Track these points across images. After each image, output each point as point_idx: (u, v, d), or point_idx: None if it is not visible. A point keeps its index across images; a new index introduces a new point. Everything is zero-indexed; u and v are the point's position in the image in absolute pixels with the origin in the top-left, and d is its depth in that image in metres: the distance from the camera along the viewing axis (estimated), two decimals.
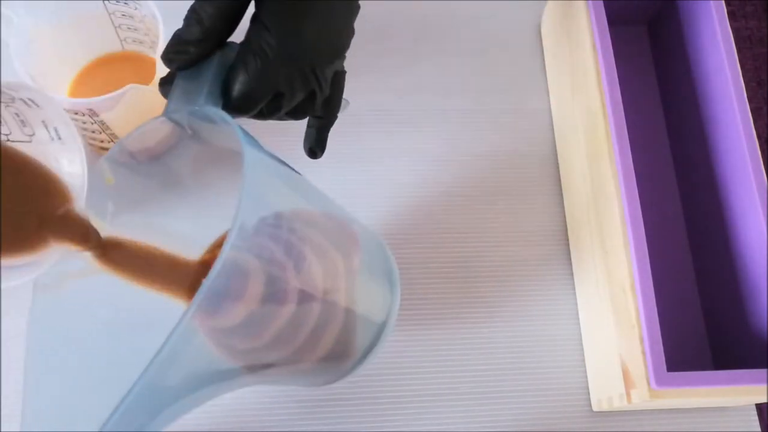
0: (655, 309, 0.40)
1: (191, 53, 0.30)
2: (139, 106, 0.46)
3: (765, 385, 0.39)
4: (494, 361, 0.48)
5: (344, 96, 0.38)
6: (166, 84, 0.32)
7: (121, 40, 0.51)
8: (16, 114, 0.31)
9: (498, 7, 0.60)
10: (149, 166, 0.34)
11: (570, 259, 0.52)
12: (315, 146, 0.38)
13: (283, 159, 0.33)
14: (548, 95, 0.57)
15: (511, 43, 0.59)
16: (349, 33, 0.33)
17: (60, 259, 0.32)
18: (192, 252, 0.40)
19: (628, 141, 0.44)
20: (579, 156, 0.50)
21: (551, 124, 0.56)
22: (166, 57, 0.31)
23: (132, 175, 0.34)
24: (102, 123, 0.46)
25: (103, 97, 0.43)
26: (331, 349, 0.37)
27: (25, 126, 0.32)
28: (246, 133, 0.29)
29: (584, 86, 0.49)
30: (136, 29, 0.49)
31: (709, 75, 0.49)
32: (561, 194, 0.54)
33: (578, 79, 0.50)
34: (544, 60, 0.59)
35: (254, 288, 0.30)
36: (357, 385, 0.47)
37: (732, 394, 0.40)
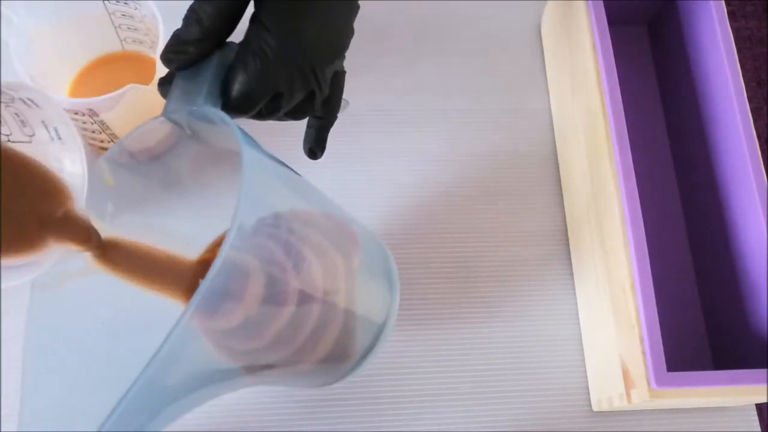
0: (655, 309, 0.40)
1: (190, 53, 0.30)
2: (139, 106, 0.46)
3: (765, 385, 0.39)
4: (494, 361, 0.48)
5: (344, 96, 0.38)
6: (165, 84, 0.32)
7: (121, 40, 0.51)
8: (16, 114, 0.31)
9: (498, 7, 0.60)
10: (148, 166, 0.34)
11: (570, 259, 0.52)
12: (315, 147, 0.38)
13: (282, 159, 0.33)
14: (548, 95, 0.57)
15: (511, 43, 0.59)
16: (349, 33, 0.33)
17: (59, 259, 0.32)
18: (191, 252, 0.40)
19: (628, 141, 0.44)
20: (579, 156, 0.50)
21: (551, 124, 0.56)
22: (165, 57, 0.31)
23: (131, 175, 0.33)
24: (102, 123, 0.46)
25: (103, 97, 0.43)
26: (331, 349, 0.37)
27: (25, 126, 0.32)
28: (245, 134, 0.29)
29: (584, 86, 0.49)
30: (136, 29, 0.49)
31: (709, 75, 0.49)
32: (561, 194, 0.54)
33: (578, 79, 0.50)
34: (544, 60, 0.59)
35: (253, 289, 0.29)
36: (357, 385, 0.47)
37: (732, 394, 0.40)
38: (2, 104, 0.30)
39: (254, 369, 0.34)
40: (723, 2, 0.49)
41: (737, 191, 0.45)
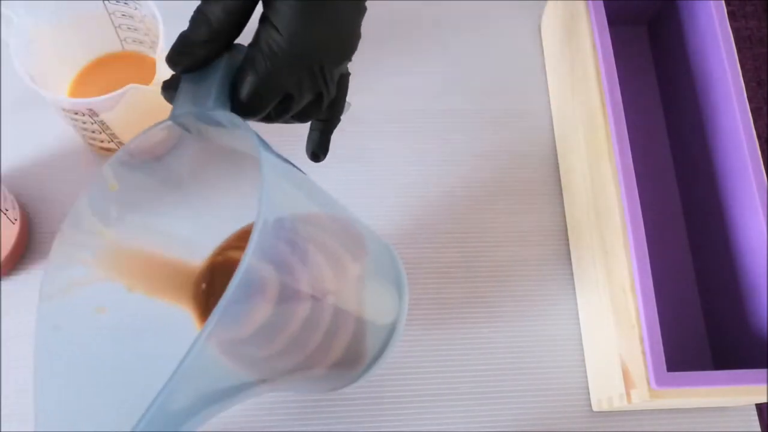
0: (655, 309, 0.40)
1: (198, 55, 0.30)
2: (139, 106, 0.46)
3: (765, 385, 0.39)
4: (494, 361, 0.48)
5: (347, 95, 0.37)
6: (170, 88, 0.31)
7: (121, 40, 0.51)
8: None
9: (498, 7, 0.60)
10: (148, 166, 0.34)
11: (570, 259, 0.52)
12: (318, 149, 0.37)
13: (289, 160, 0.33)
14: (548, 95, 0.57)
15: (511, 43, 0.59)
16: (357, 35, 0.33)
17: (65, 266, 0.32)
18: (191, 253, 0.40)
19: (628, 141, 0.44)
20: (579, 156, 0.50)
21: (551, 124, 0.56)
22: (172, 59, 0.30)
23: (132, 176, 0.33)
24: (102, 123, 0.46)
25: (103, 97, 0.43)
26: (343, 354, 0.37)
27: None
28: (260, 138, 0.28)
29: (584, 86, 0.49)
30: (136, 29, 0.49)
31: (709, 75, 0.49)
32: (561, 194, 0.54)
33: (578, 79, 0.50)
34: (544, 60, 0.59)
35: (269, 296, 0.29)
36: (357, 386, 0.47)
37: (732, 394, 0.40)
38: None
39: (267, 376, 0.34)
40: (723, 2, 0.49)
41: (737, 191, 0.45)
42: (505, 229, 0.52)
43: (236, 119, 0.29)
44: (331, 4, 0.30)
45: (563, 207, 0.53)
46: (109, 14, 0.48)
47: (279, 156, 0.31)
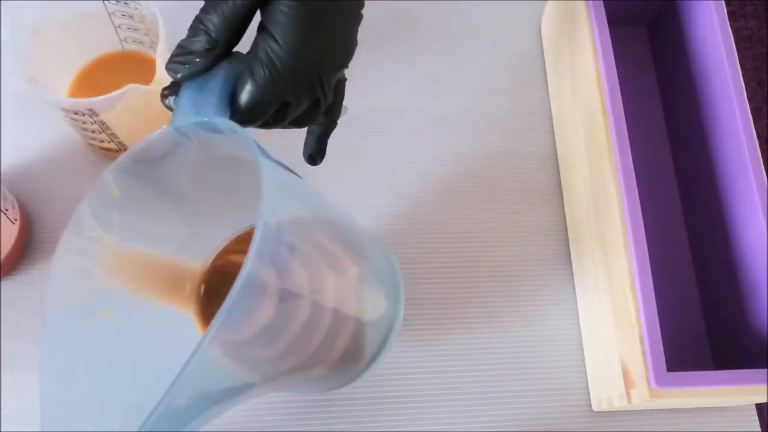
0: (655, 309, 0.40)
1: (197, 64, 0.30)
2: (139, 106, 0.46)
3: (765, 385, 0.39)
4: (494, 361, 0.48)
5: (343, 101, 0.38)
6: (169, 95, 0.32)
7: (121, 40, 0.51)
8: None
9: (498, 7, 0.60)
10: (148, 172, 0.34)
11: (570, 259, 0.52)
12: (315, 153, 0.38)
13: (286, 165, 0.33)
14: (548, 95, 0.57)
15: (511, 43, 0.59)
16: (354, 42, 0.33)
17: (68, 272, 0.32)
18: (192, 257, 0.41)
19: (628, 141, 0.44)
20: (579, 156, 0.50)
21: (551, 124, 0.56)
22: (172, 68, 0.30)
23: (132, 182, 0.34)
24: (102, 123, 0.46)
25: (103, 97, 0.43)
26: (341, 355, 0.37)
27: None
28: (259, 146, 0.29)
29: (584, 86, 0.49)
30: (136, 29, 0.49)
31: (709, 75, 0.49)
32: (561, 194, 0.54)
33: (578, 79, 0.50)
34: (544, 60, 0.59)
35: (270, 299, 0.30)
36: (357, 386, 0.47)
37: (732, 394, 0.40)
38: None
39: (268, 377, 0.34)
40: (723, 2, 0.49)
41: (737, 191, 0.45)
42: (505, 229, 0.52)
43: (235, 126, 0.29)
44: (328, 13, 0.31)
45: (563, 207, 0.53)
46: (109, 14, 0.48)
47: (277, 161, 0.31)
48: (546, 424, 0.47)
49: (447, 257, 0.51)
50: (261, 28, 0.31)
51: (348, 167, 0.53)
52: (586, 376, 0.48)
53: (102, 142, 0.49)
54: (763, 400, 0.41)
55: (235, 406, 0.32)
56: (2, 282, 0.48)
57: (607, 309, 0.44)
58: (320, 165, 0.39)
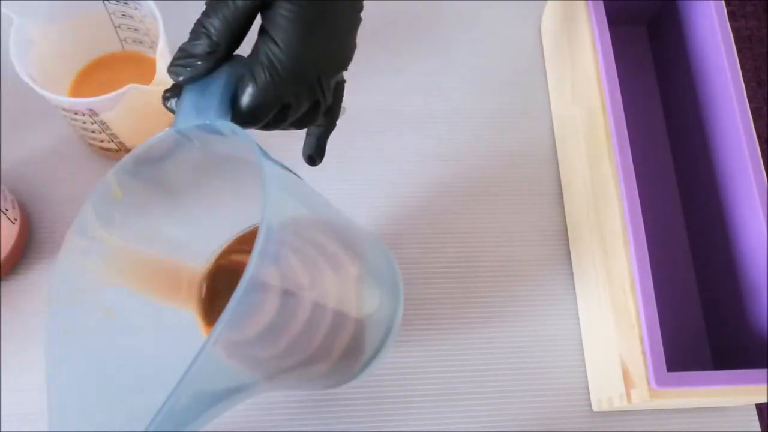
0: (655, 309, 0.40)
1: (199, 67, 0.31)
2: (139, 106, 0.46)
3: (765, 385, 0.39)
4: (494, 361, 0.48)
5: (342, 101, 0.38)
6: (172, 97, 0.32)
7: (121, 40, 0.51)
8: None
9: (498, 8, 0.60)
10: (150, 173, 0.34)
11: (570, 259, 0.52)
12: (314, 153, 0.38)
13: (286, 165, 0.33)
14: (548, 95, 0.57)
15: (511, 43, 0.59)
16: (353, 46, 0.34)
17: (72, 272, 0.32)
18: (193, 256, 0.41)
19: (628, 141, 0.44)
20: (579, 156, 0.50)
21: (551, 124, 0.56)
22: (174, 71, 0.31)
23: (135, 183, 0.34)
24: (102, 123, 0.46)
25: (103, 97, 0.43)
26: (342, 353, 0.38)
27: None
28: (260, 148, 0.29)
29: (584, 86, 0.49)
30: (136, 29, 0.49)
31: (709, 75, 0.49)
32: (561, 194, 0.54)
33: (578, 79, 0.50)
34: (544, 60, 0.59)
35: (273, 300, 0.30)
36: (357, 386, 0.47)
37: (732, 394, 0.40)
38: None
39: (270, 375, 0.34)
40: (723, 2, 0.49)
41: (737, 191, 0.45)
42: (505, 229, 0.52)
43: (237, 129, 0.29)
44: (327, 17, 0.31)
45: (563, 207, 0.53)
46: (109, 14, 0.48)
47: (277, 162, 0.31)
48: (546, 424, 0.47)
49: (447, 257, 0.51)
50: (262, 31, 0.31)
51: (347, 167, 0.53)
52: (586, 376, 0.48)
53: (102, 142, 0.49)
54: (763, 400, 0.41)
55: (235, 406, 0.33)
56: (2, 282, 0.48)
57: (607, 309, 0.44)
58: (320, 165, 0.39)
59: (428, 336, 0.49)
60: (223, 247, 0.42)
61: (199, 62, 0.30)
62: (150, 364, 0.33)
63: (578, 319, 0.50)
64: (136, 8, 0.47)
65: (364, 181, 0.53)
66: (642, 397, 0.39)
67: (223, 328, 0.25)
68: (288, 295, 0.32)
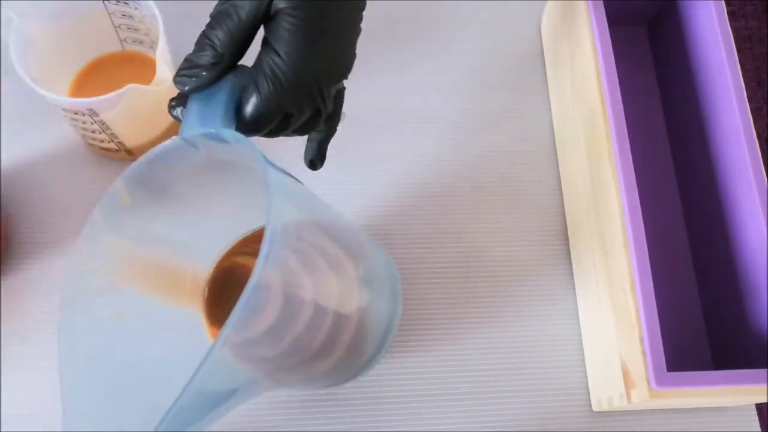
0: (655, 309, 0.40)
1: (204, 77, 0.31)
2: (139, 106, 0.46)
3: (765, 385, 0.39)
4: (494, 361, 0.48)
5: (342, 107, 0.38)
6: (177, 106, 0.33)
7: (121, 40, 0.51)
8: None
9: (498, 7, 0.60)
10: (157, 180, 0.35)
11: (570, 259, 0.52)
12: (315, 159, 0.39)
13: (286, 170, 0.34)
14: (548, 95, 0.57)
15: (511, 43, 0.59)
16: (353, 56, 0.35)
17: (82, 276, 0.33)
18: (195, 259, 0.42)
19: (628, 141, 0.44)
20: (579, 156, 0.50)
21: (551, 124, 0.56)
22: (180, 81, 0.32)
23: (142, 189, 0.35)
24: (102, 123, 0.46)
25: (103, 97, 0.43)
26: (343, 352, 0.39)
27: None
28: (264, 155, 0.30)
29: (584, 86, 0.49)
30: (136, 29, 0.49)
31: (709, 75, 0.49)
32: (561, 194, 0.54)
33: (578, 79, 0.50)
34: (544, 60, 0.59)
35: (276, 301, 0.31)
36: (357, 386, 0.47)
37: (732, 394, 0.40)
38: None
39: (272, 374, 0.35)
40: (723, 2, 0.49)
41: (737, 191, 0.45)
42: (505, 229, 0.52)
43: (241, 137, 0.30)
44: (328, 29, 0.32)
45: (563, 207, 0.53)
46: (109, 14, 0.48)
47: (280, 169, 0.32)
48: (546, 424, 0.47)
49: (447, 257, 0.51)
50: (265, 43, 0.32)
51: (348, 167, 0.53)
52: (586, 376, 0.48)
53: (102, 142, 0.49)
54: (763, 400, 0.41)
55: (240, 405, 0.33)
56: (2, 282, 0.48)
57: (607, 309, 0.44)
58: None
59: (428, 336, 0.49)
60: (226, 250, 0.43)
61: (204, 72, 0.31)
62: (158, 364, 0.34)
63: (578, 319, 0.50)
64: (136, 8, 0.47)
65: (364, 181, 0.53)
66: (642, 397, 0.39)
67: (230, 330, 0.26)
68: (291, 296, 0.32)
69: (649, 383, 0.39)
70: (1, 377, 0.45)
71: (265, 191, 0.28)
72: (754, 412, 0.48)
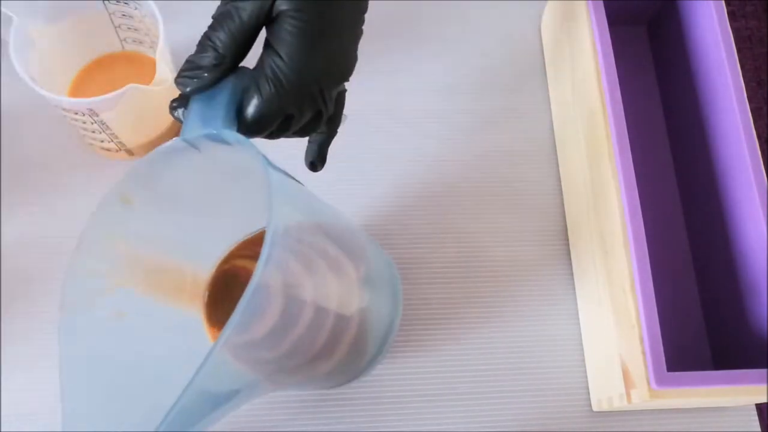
0: (655, 309, 0.40)
1: (206, 78, 0.32)
2: (139, 106, 0.46)
3: (765, 385, 0.39)
4: (494, 361, 0.48)
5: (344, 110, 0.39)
6: (179, 107, 0.33)
7: (121, 40, 0.51)
8: None
9: (498, 8, 0.60)
10: (155, 180, 0.35)
11: (570, 259, 0.52)
12: (316, 160, 0.39)
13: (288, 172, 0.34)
14: (548, 95, 0.57)
15: (511, 43, 0.59)
16: (354, 58, 0.35)
17: (84, 277, 0.33)
18: (196, 261, 0.42)
19: (628, 141, 0.44)
20: (579, 156, 0.50)
21: (551, 124, 0.56)
22: (181, 82, 0.32)
23: (143, 190, 0.35)
24: (102, 123, 0.46)
25: (103, 97, 0.43)
26: (344, 353, 0.39)
27: None
28: (264, 156, 0.30)
29: (584, 86, 0.49)
30: (136, 29, 0.49)
31: (709, 75, 0.49)
32: (561, 194, 0.54)
33: (578, 79, 0.50)
34: (544, 60, 0.59)
35: (277, 303, 0.31)
36: (357, 386, 0.47)
37: (732, 394, 0.40)
38: None
39: (273, 376, 0.35)
40: (723, 2, 0.49)
41: (737, 191, 0.45)
42: (505, 229, 0.52)
43: (242, 138, 0.30)
44: (330, 31, 0.32)
45: (563, 207, 0.53)
46: (109, 14, 0.48)
47: (280, 170, 0.32)
48: (546, 424, 0.47)
49: (447, 257, 0.51)
50: (267, 45, 0.32)
51: (347, 167, 0.53)
52: (586, 376, 0.48)
53: (102, 142, 0.49)
54: (763, 400, 0.41)
55: (241, 406, 0.33)
56: (2, 282, 0.48)
57: (607, 309, 0.44)
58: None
59: (428, 336, 0.49)
60: (227, 252, 0.43)
61: (206, 74, 0.32)
62: (158, 365, 0.34)
63: (578, 319, 0.50)
64: (136, 8, 0.47)
65: (364, 181, 0.53)
66: (642, 397, 0.39)
67: (231, 331, 0.26)
68: (292, 297, 0.32)
69: (649, 383, 0.39)
70: (1, 377, 0.45)
71: (266, 193, 0.28)
72: (754, 412, 0.48)
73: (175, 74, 0.33)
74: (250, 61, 0.33)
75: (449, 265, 0.51)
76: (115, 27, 0.49)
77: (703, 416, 0.47)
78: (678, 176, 0.54)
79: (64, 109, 0.45)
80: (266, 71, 0.31)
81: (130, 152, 0.51)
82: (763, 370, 0.39)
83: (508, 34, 0.59)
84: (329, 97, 0.34)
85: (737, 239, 0.45)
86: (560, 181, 0.54)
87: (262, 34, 0.33)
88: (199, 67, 0.32)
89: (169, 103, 0.33)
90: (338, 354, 0.38)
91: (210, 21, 0.32)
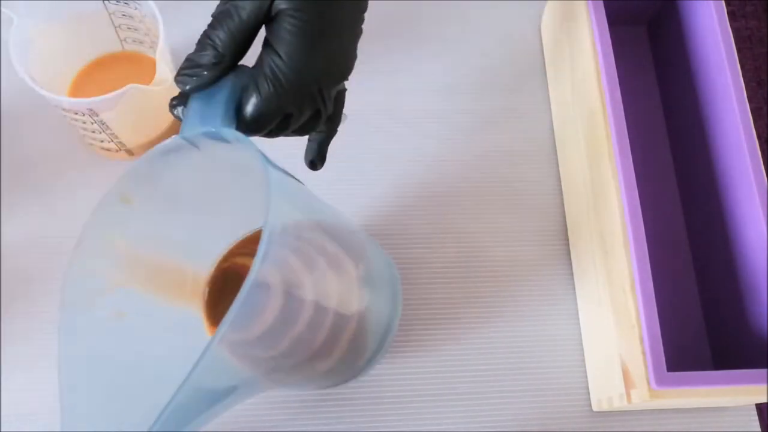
0: (655, 309, 0.40)
1: (205, 77, 0.32)
2: (139, 106, 0.46)
3: (765, 385, 0.39)
4: (494, 361, 0.48)
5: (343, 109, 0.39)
6: (178, 105, 0.33)
7: (121, 40, 0.51)
8: None
9: (498, 8, 0.60)
10: (155, 178, 0.35)
11: (570, 259, 0.52)
12: (315, 159, 0.39)
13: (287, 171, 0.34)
14: (548, 95, 0.57)
15: (511, 43, 0.59)
16: (354, 57, 0.35)
17: (84, 276, 0.33)
18: (195, 259, 0.42)
19: (628, 141, 0.44)
20: (579, 156, 0.50)
21: (551, 124, 0.56)
22: (181, 80, 0.32)
23: (142, 189, 0.35)
24: (102, 123, 0.46)
25: (103, 97, 0.43)
26: (343, 352, 0.39)
27: None
28: (263, 154, 0.30)
29: (584, 86, 0.49)
30: (136, 29, 0.49)
31: (709, 75, 0.49)
32: (561, 194, 0.54)
33: (578, 79, 0.50)
34: (544, 60, 0.59)
35: (275, 301, 0.31)
36: (357, 386, 0.47)
37: (732, 394, 0.40)
38: None
39: (272, 374, 0.35)
40: (723, 2, 0.49)
41: (737, 191, 0.45)
42: (505, 229, 0.52)
43: (241, 136, 0.30)
44: (329, 30, 0.32)
45: (563, 207, 0.53)
46: (109, 14, 0.48)
47: (279, 168, 0.32)
48: (546, 424, 0.47)
49: (447, 257, 0.51)
50: (266, 44, 0.32)
51: (347, 167, 0.53)
52: (586, 376, 0.48)
53: (102, 142, 0.49)
54: (763, 400, 0.41)
55: (237, 404, 0.33)
56: (2, 282, 0.48)
57: (607, 309, 0.44)
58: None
59: (428, 336, 0.49)
60: (226, 250, 0.43)
61: (205, 72, 0.32)
62: (158, 364, 0.34)
63: (578, 319, 0.50)
64: (136, 8, 0.47)
65: (364, 181, 0.53)
66: (642, 397, 0.39)
67: (227, 328, 0.26)
68: (290, 295, 0.32)
69: (649, 383, 0.39)
70: (1, 377, 0.45)
71: (265, 191, 0.28)
72: (754, 412, 0.48)
73: (174, 74, 0.34)
74: (250, 59, 0.33)
75: (449, 265, 0.51)
76: (115, 27, 0.49)
77: (703, 416, 0.47)
78: (678, 176, 0.54)
79: (64, 109, 0.45)
80: (265, 70, 0.31)
81: (130, 152, 0.51)
82: (763, 370, 0.39)
83: (508, 34, 0.59)
84: (328, 97, 0.34)
85: (737, 239, 0.45)
86: (560, 181, 0.54)
87: (262, 32, 0.33)
88: (199, 66, 0.32)
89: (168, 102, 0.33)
90: (337, 353, 0.38)
91: (210, 20, 0.32)
